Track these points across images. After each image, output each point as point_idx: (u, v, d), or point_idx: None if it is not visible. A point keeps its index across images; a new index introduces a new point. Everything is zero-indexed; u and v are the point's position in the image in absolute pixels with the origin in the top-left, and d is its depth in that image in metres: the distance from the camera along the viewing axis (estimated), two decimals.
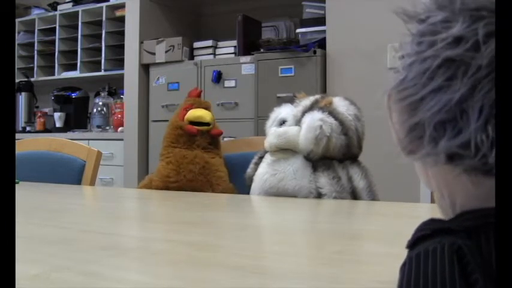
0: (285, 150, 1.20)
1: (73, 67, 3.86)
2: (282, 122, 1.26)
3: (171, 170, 1.40)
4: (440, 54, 0.29)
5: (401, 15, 0.33)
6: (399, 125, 0.32)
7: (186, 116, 1.44)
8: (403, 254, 0.31)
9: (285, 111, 1.28)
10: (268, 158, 1.24)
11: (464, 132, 0.28)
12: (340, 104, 1.21)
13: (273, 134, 1.21)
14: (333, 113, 1.17)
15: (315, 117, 1.15)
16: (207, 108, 1.49)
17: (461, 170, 0.29)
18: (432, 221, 0.30)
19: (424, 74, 0.29)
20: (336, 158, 1.17)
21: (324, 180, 1.13)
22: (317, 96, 1.26)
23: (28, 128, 4.03)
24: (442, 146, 0.29)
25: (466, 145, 0.28)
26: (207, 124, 1.44)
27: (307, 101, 1.25)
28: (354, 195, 1.14)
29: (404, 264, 0.30)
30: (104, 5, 3.66)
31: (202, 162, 1.41)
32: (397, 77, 0.32)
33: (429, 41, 0.30)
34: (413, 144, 0.31)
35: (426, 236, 0.30)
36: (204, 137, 1.45)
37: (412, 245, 0.31)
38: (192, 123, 1.44)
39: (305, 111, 1.21)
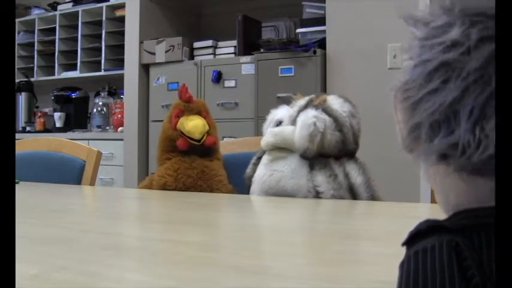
0: (282, 149, 1.21)
1: (73, 67, 3.86)
2: (279, 123, 1.26)
3: (169, 177, 1.34)
4: (438, 57, 0.30)
5: (407, 19, 0.34)
6: (403, 124, 0.34)
7: (177, 126, 1.36)
8: (402, 253, 0.32)
9: (281, 112, 1.29)
10: (265, 159, 1.24)
11: (455, 132, 0.29)
12: (334, 101, 1.22)
13: (269, 133, 1.22)
14: (326, 110, 1.18)
15: (308, 115, 1.16)
16: (199, 112, 1.38)
17: (452, 169, 0.30)
18: (428, 221, 0.31)
19: (423, 76, 0.31)
20: (332, 155, 1.17)
21: (320, 179, 1.14)
22: (312, 96, 1.27)
23: (28, 128, 4.03)
24: (434, 145, 0.30)
25: (455, 145, 0.29)
26: (198, 141, 1.35)
27: (303, 100, 1.27)
28: (352, 192, 1.14)
29: (403, 262, 0.31)
30: (104, 5, 3.66)
31: (201, 167, 1.35)
32: (403, 78, 0.33)
33: (430, 44, 0.31)
34: (413, 143, 0.32)
35: (422, 233, 0.31)
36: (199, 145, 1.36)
37: (407, 242, 0.31)
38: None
39: (300, 111, 1.21)
